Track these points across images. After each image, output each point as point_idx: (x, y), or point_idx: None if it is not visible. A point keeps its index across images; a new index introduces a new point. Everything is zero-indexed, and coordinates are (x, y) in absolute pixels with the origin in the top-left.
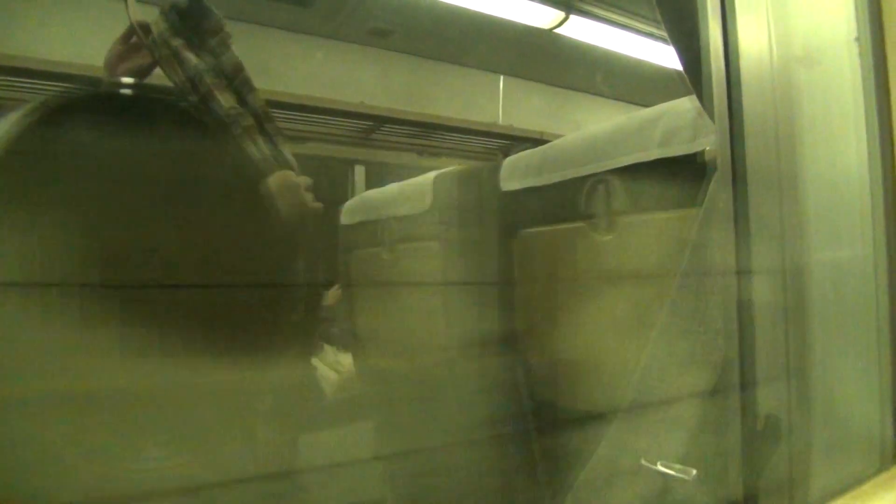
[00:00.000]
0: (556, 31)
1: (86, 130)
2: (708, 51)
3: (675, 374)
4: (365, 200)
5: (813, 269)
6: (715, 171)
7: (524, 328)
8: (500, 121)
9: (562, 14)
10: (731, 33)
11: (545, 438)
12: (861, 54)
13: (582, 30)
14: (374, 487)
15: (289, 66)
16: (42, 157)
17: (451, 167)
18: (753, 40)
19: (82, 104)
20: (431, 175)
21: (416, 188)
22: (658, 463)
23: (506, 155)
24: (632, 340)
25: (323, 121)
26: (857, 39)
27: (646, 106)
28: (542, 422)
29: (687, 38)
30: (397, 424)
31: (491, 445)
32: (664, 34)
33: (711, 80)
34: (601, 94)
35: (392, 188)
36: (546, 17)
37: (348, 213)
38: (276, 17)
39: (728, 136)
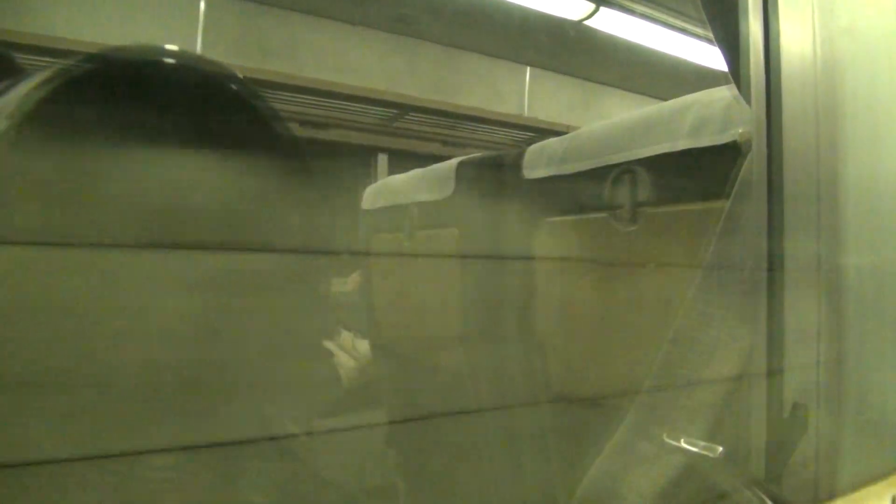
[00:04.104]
0: (586, 22)
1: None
2: (748, 43)
3: (698, 359)
4: (387, 185)
5: (850, 261)
6: (745, 157)
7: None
8: (526, 113)
9: (592, 6)
10: (773, 26)
11: None
12: None
13: (612, 22)
14: None
15: (313, 51)
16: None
17: (475, 154)
18: (796, 34)
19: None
20: (455, 161)
21: (438, 174)
22: (682, 440)
23: None
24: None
25: (347, 107)
26: None
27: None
28: None
29: (726, 29)
30: None
31: None
32: (695, 28)
33: (750, 72)
34: (631, 89)
35: (414, 174)
36: (575, 9)
37: (370, 198)
38: (302, 1)
39: (765, 129)
